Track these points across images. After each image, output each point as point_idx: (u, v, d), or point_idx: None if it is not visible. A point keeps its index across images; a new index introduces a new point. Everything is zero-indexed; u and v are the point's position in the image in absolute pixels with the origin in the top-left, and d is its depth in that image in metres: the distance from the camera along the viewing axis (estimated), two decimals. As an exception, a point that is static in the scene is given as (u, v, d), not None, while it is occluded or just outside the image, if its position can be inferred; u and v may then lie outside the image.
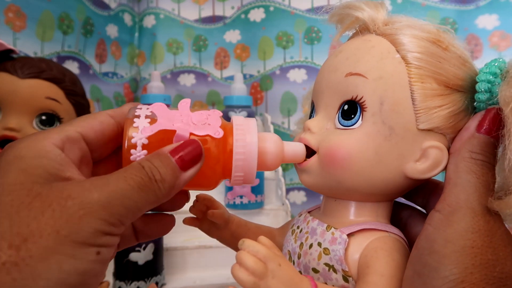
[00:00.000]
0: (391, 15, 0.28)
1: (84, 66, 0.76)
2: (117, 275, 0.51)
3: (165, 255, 0.55)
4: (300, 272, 0.28)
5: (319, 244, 0.28)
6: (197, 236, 0.62)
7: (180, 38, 0.92)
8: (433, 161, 0.25)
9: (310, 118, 0.31)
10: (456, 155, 0.24)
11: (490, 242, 0.21)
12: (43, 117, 0.55)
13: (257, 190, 0.63)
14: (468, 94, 0.26)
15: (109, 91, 0.83)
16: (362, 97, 0.26)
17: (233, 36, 0.91)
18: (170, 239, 0.59)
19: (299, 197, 0.85)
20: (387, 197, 0.28)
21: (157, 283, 0.51)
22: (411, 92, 0.25)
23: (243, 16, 0.89)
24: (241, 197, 0.61)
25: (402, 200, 0.31)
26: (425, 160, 0.25)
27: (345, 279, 0.26)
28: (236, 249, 0.36)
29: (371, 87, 0.26)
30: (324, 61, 0.30)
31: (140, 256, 0.49)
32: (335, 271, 0.26)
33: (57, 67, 0.57)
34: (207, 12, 0.92)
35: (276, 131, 0.84)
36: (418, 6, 0.80)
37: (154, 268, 0.51)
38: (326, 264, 0.27)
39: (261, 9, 0.86)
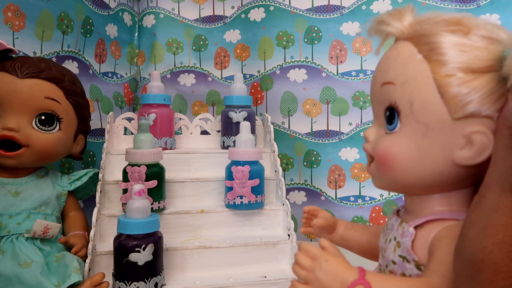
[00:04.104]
0: (416, 16, 0.29)
1: (84, 66, 0.76)
2: (117, 276, 0.50)
3: (165, 255, 0.55)
4: (386, 265, 0.32)
5: (395, 239, 0.31)
6: (197, 236, 0.62)
7: (180, 37, 0.92)
8: (479, 146, 0.26)
9: None
10: (497, 134, 0.23)
11: None
12: (43, 117, 0.55)
13: (257, 190, 0.62)
14: (499, 72, 0.25)
15: (109, 91, 0.83)
16: (395, 102, 0.28)
17: (233, 36, 0.90)
18: (170, 239, 0.59)
19: (299, 197, 0.85)
20: (450, 187, 0.29)
21: (157, 284, 0.51)
22: (437, 87, 0.26)
23: (243, 15, 0.89)
24: (241, 197, 0.61)
25: None
26: (470, 146, 0.26)
27: (418, 268, 0.29)
28: (348, 248, 0.43)
29: (399, 92, 0.28)
30: None
31: (140, 257, 0.49)
32: (408, 261, 0.29)
33: (56, 67, 0.57)
34: (207, 12, 0.92)
35: (276, 131, 0.84)
36: (419, 6, 0.79)
37: (154, 268, 0.51)
38: (400, 256, 0.30)
39: (261, 9, 0.86)
